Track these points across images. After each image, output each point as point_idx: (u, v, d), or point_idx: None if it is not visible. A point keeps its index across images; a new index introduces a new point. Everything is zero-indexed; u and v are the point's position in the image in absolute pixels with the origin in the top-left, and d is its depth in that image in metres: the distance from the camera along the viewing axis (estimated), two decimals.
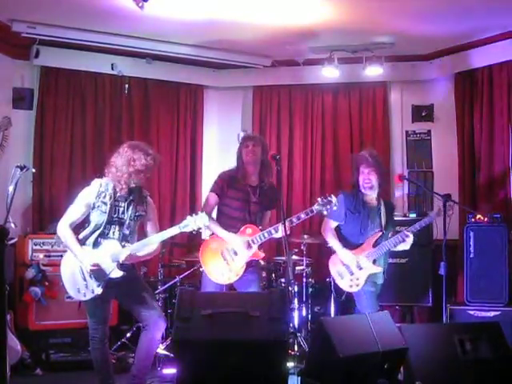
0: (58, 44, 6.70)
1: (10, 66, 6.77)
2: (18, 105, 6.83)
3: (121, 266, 4.47)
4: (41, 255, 6.06)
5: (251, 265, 5.13)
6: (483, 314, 6.03)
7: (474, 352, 4.35)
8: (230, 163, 7.77)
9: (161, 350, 5.96)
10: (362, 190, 5.41)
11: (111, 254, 4.45)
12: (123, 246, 4.48)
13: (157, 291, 6.31)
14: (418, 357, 4.27)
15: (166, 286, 6.30)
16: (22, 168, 4.51)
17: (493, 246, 6.18)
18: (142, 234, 4.73)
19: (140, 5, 5.32)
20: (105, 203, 4.50)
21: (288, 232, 4.75)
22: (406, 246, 5.39)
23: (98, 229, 4.50)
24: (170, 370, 5.54)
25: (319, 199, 5.02)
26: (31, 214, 6.76)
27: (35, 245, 6.13)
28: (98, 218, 4.50)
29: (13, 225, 4.67)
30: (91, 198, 4.52)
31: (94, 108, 7.19)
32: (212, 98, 8.00)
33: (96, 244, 4.50)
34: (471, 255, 6.25)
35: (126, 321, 6.57)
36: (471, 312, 6.09)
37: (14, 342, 5.31)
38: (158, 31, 6.68)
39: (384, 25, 6.42)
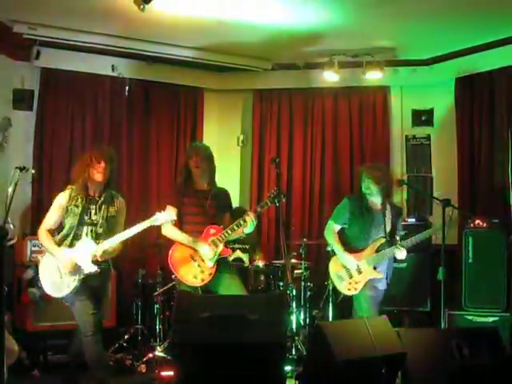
0: (59, 45, 6.70)
1: (11, 66, 6.77)
2: (18, 106, 6.82)
3: (95, 262, 4.67)
4: (39, 256, 6.02)
5: (224, 266, 5.18)
6: (481, 319, 6.03)
7: (472, 357, 4.34)
8: (230, 166, 7.86)
9: (158, 352, 5.96)
10: (367, 196, 5.44)
11: (86, 251, 4.65)
12: (97, 244, 4.69)
13: (155, 293, 6.31)
14: (416, 362, 4.26)
15: (164, 288, 6.30)
16: (21, 169, 4.52)
17: (491, 252, 6.18)
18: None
19: (141, 7, 5.33)
20: (77, 206, 4.75)
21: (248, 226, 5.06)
22: (399, 256, 5.38)
23: (71, 230, 4.74)
24: (167, 373, 5.53)
25: (270, 193, 5.14)
26: (30, 215, 6.76)
27: (34, 246, 6.12)
28: (71, 220, 4.74)
29: (12, 226, 4.69)
30: (64, 202, 4.78)
31: (94, 110, 7.19)
32: (212, 100, 8.00)
33: (72, 245, 4.72)
34: (470, 260, 6.25)
35: (124, 323, 6.57)
36: (469, 317, 6.08)
37: (11, 343, 5.29)
38: (159, 33, 6.68)
39: (384, 29, 6.43)
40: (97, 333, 4.66)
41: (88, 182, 4.78)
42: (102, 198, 4.82)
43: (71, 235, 4.72)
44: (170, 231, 5.17)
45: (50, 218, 4.82)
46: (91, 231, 4.75)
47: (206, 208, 5.20)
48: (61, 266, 4.68)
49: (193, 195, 5.22)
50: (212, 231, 5.13)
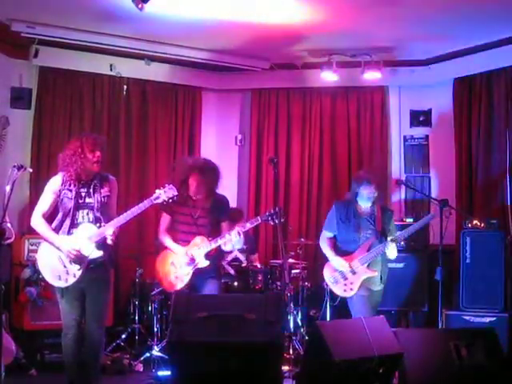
0: (57, 44, 6.69)
1: (9, 65, 6.76)
2: (16, 104, 6.82)
3: (99, 246, 4.57)
4: (37, 255, 6.03)
5: (204, 273, 5.20)
6: (479, 319, 6.04)
7: (469, 357, 4.35)
8: (228, 166, 7.86)
9: (156, 351, 5.97)
10: (359, 202, 5.50)
11: (88, 237, 4.54)
12: (99, 227, 4.58)
13: (153, 293, 6.31)
14: (414, 362, 4.26)
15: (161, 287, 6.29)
16: (19, 168, 4.50)
17: (489, 252, 6.19)
18: None
19: (139, 6, 5.32)
20: (70, 190, 4.63)
21: (241, 236, 5.15)
22: (390, 254, 5.40)
23: (67, 216, 4.61)
24: (164, 372, 5.53)
25: (267, 212, 5.20)
26: (28, 213, 6.72)
27: (31, 245, 6.12)
28: (65, 205, 4.62)
29: (9, 224, 4.66)
30: (57, 186, 4.67)
31: (92, 109, 7.19)
32: (210, 100, 8.00)
33: (69, 234, 4.60)
34: (467, 261, 6.26)
35: (122, 322, 6.57)
36: (467, 317, 6.09)
37: (8, 342, 5.29)
38: (157, 32, 6.68)
39: (383, 30, 6.43)
40: (76, 335, 4.64)
41: (80, 171, 4.62)
42: (95, 181, 4.68)
43: (67, 221, 4.59)
44: (164, 239, 5.31)
45: (44, 202, 4.67)
46: (87, 214, 4.62)
47: (198, 218, 5.26)
48: (63, 255, 4.55)
49: (186, 204, 5.25)
50: (197, 241, 5.18)
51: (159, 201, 4.73)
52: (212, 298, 4.67)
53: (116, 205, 4.83)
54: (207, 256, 5.14)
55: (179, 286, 5.18)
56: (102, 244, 4.58)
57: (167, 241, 5.29)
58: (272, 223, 5.16)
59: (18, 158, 6.18)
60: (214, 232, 5.25)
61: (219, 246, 5.22)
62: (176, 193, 4.80)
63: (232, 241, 5.17)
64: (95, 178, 4.71)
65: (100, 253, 4.58)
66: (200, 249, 5.13)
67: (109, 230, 4.54)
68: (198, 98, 7.86)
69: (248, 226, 5.19)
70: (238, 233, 5.10)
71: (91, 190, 4.67)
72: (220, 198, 5.43)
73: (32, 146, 6.86)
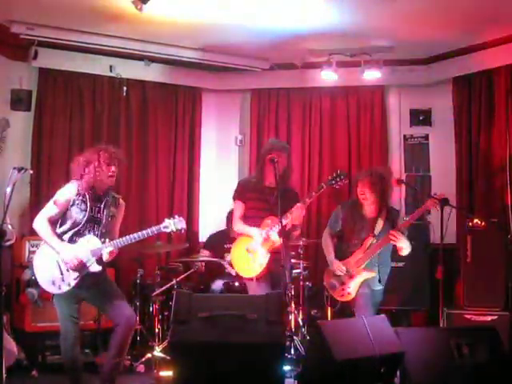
0: (57, 46, 6.69)
1: (9, 67, 6.76)
2: (16, 106, 6.81)
3: (98, 261, 4.60)
4: (35, 256, 6.02)
5: (277, 256, 5.17)
6: (480, 318, 6.04)
7: (471, 356, 4.35)
8: (228, 166, 7.86)
9: (157, 352, 5.97)
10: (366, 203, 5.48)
11: (91, 249, 4.58)
12: (103, 242, 4.61)
13: (154, 293, 6.31)
14: (415, 361, 4.27)
15: (163, 288, 6.29)
16: (19, 169, 4.51)
17: (490, 251, 6.18)
18: None
19: (139, 7, 5.33)
20: (85, 202, 4.64)
21: (303, 213, 5.23)
22: (403, 246, 5.36)
23: (76, 226, 4.63)
24: (166, 373, 5.53)
25: (329, 176, 5.30)
26: (28, 215, 6.74)
27: (32, 246, 6.10)
28: (76, 215, 4.63)
29: (10, 226, 4.67)
30: (71, 194, 4.65)
31: (92, 110, 7.18)
32: (210, 100, 7.99)
33: (71, 241, 4.61)
34: (468, 259, 6.25)
35: None
36: (468, 316, 6.09)
37: (10, 344, 5.29)
38: (157, 33, 6.68)
39: (382, 29, 6.43)
40: (75, 338, 4.67)
41: (94, 182, 4.66)
42: (108, 198, 4.73)
43: (74, 231, 4.61)
44: (238, 226, 5.42)
45: (53, 208, 4.64)
46: (93, 228, 4.65)
47: (269, 203, 5.26)
48: (62, 262, 4.56)
49: (258, 191, 5.36)
50: (268, 221, 5.23)
51: (167, 230, 4.73)
52: (213, 298, 4.68)
53: (118, 228, 4.88)
54: (279, 234, 5.11)
55: (258, 270, 5.20)
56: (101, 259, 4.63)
57: (241, 226, 5.36)
58: (337, 187, 5.26)
59: (18, 160, 6.20)
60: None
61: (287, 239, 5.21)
62: (184, 226, 4.78)
63: (294, 218, 5.17)
64: (108, 194, 4.76)
65: (99, 268, 4.61)
66: (272, 229, 5.17)
67: (108, 249, 4.57)
68: (198, 98, 7.86)
69: (314, 194, 5.25)
70: (300, 207, 5.15)
71: (102, 206, 4.72)
72: (291, 188, 5.55)
73: (32, 147, 6.85)
